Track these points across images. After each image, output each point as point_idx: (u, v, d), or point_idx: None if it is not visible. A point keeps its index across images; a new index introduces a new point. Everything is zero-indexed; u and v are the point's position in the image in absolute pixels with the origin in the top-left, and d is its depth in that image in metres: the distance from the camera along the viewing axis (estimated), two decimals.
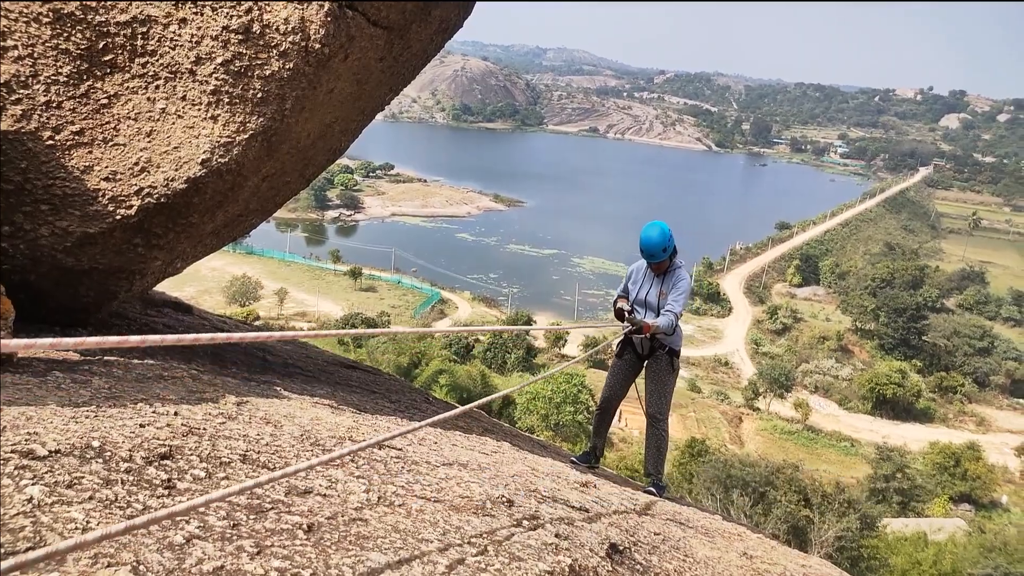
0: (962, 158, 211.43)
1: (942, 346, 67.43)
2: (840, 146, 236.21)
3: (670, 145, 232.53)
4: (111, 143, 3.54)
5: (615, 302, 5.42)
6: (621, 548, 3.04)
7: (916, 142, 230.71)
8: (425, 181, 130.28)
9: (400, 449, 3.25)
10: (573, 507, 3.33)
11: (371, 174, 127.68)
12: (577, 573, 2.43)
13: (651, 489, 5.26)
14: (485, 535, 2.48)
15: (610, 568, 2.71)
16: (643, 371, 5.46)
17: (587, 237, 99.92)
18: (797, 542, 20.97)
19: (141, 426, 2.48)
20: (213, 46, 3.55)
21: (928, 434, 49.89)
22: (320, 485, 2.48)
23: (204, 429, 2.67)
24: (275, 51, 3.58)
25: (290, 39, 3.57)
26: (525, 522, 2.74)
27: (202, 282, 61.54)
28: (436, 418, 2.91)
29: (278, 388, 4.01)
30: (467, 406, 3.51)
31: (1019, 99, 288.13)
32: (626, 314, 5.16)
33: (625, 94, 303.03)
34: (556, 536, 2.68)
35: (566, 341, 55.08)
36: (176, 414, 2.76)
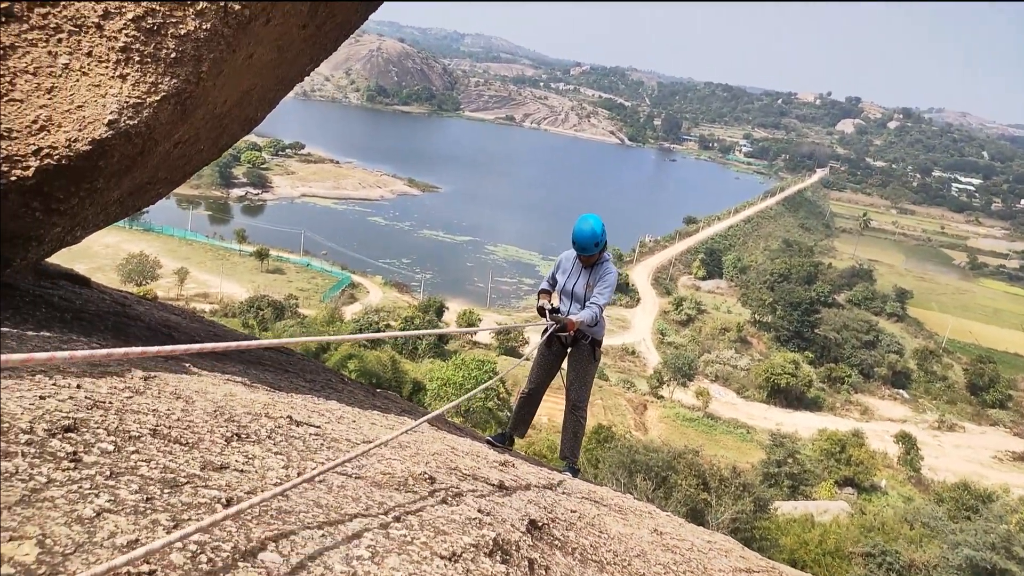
0: (855, 161, 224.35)
1: (832, 339, 71.55)
2: (744, 145, 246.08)
3: (585, 137, 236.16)
4: (6, 98, 3.29)
5: (538, 296, 5.49)
6: (540, 524, 3.09)
7: (814, 144, 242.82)
8: (337, 162, 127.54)
9: (319, 427, 3.18)
10: (493, 484, 3.35)
11: (280, 152, 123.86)
12: (500, 547, 2.45)
13: (567, 472, 5.38)
14: (409, 510, 2.46)
15: (531, 543, 2.75)
16: (566, 359, 5.57)
17: (501, 224, 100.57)
18: (696, 524, 21.85)
19: (41, 398, 2.33)
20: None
21: (817, 422, 52.69)
22: (237, 461, 2.40)
23: (110, 403, 2.53)
24: (191, 9, 3.41)
25: None
26: (448, 498, 2.74)
27: (95, 259, 58.23)
28: (436, 412, 2.87)
29: (187, 365, 3.84)
30: (453, 403, 3.47)
31: (907, 108, 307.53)
32: (548, 312, 5.27)
33: (542, 84, 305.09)
34: (479, 511, 2.69)
35: (478, 327, 55.25)
36: (79, 387, 2.60)
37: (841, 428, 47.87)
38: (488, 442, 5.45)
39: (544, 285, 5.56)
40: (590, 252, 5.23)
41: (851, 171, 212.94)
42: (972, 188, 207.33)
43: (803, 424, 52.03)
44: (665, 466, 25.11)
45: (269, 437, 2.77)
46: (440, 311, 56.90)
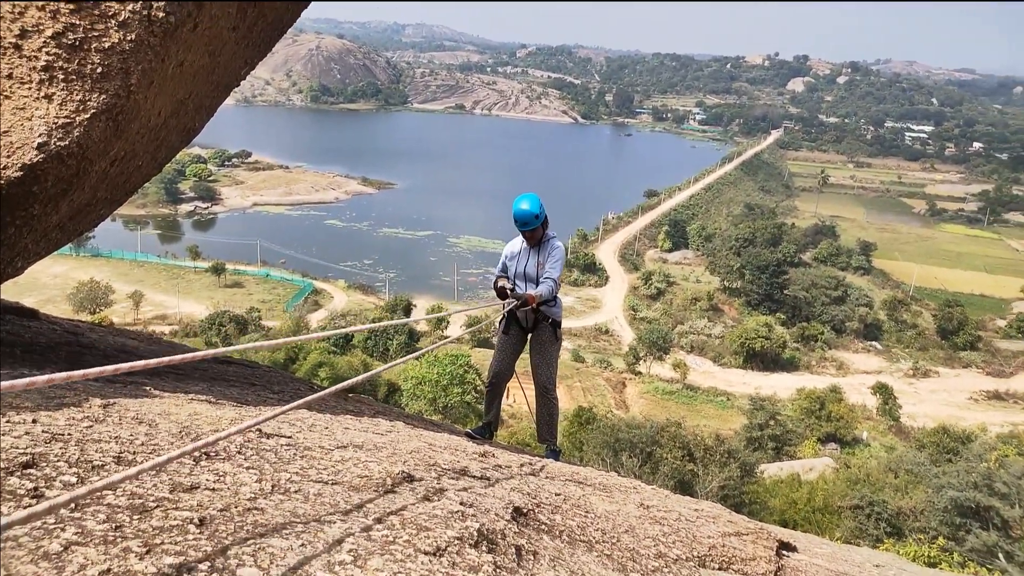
0: (808, 119, 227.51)
1: (802, 298, 72.87)
2: (698, 113, 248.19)
3: (537, 119, 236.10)
4: None
5: (495, 282, 5.62)
6: (525, 510, 3.11)
7: (767, 106, 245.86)
8: (287, 167, 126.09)
9: (290, 437, 3.16)
10: (474, 476, 3.36)
11: (227, 163, 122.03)
12: (485, 536, 2.46)
13: (548, 455, 5.45)
14: (389, 510, 2.46)
15: (517, 530, 2.76)
16: (527, 344, 5.72)
17: (461, 216, 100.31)
18: (684, 495, 22.16)
19: None
20: (40, 17, 3.25)
21: (795, 382, 53.62)
22: (207, 480, 2.38)
23: (69, 434, 2.48)
24: (113, 21, 3.33)
25: (129, 7, 3.33)
26: (428, 494, 2.74)
27: (43, 290, 56.87)
28: (341, 385, 2.85)
29: (147, 388, 3.78)
30: (368, 373, 3.45)
31: (855, 61, 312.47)
32: (508, 291, 5.42)
33: (489, 69, 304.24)
34: (461, 504, 2.70)
35: (448, 323, 55.20)
36: (35, 421, 2.55)
37: (819, 386, 48.84)
38: (468, 435, 5.47)
39: (498, 273, 5.74)
40: (532, 226, 5.40)
41: (805, 129, 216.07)
42: (925, 135, 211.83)
43: (781, 385, 53.01)
44: (649, 441, 25.38)
45: (239, 452, 2.74)
46: (408, 309, 56.76)
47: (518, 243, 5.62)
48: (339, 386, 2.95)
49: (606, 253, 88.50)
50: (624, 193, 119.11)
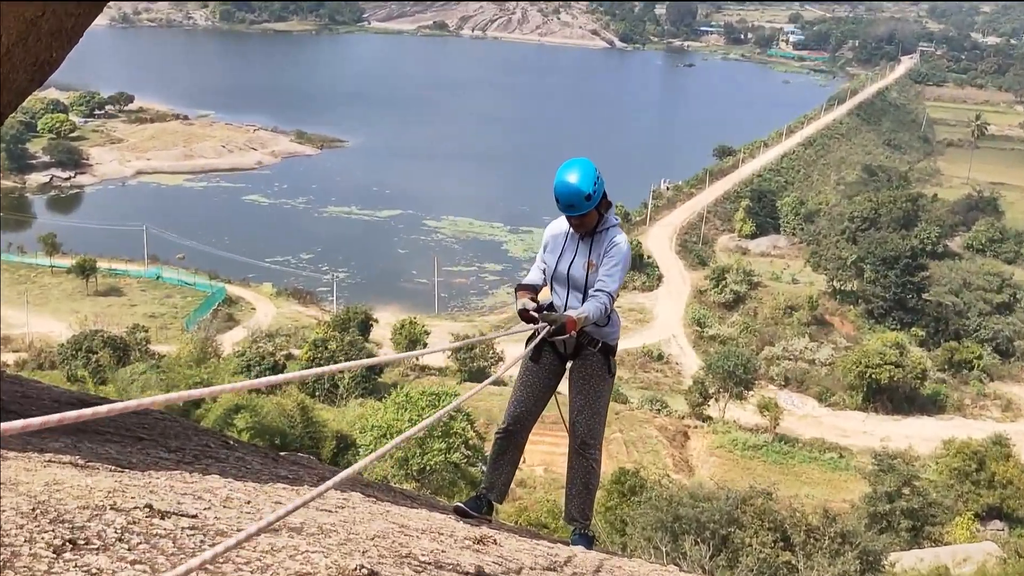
0: (957, 40, 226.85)
1: (950, 306, 72.57)
2: (793, 32, 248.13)
3: (555, 42, 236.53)
4: None
5: (516, 296, 5.61)
6: None
7: (894, 21, 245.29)
8: (186, 118, 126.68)
9: (194, 516, 3.16)
10: (467, 574, 3.35)
11: (97, 112, 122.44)
12: None
13: (577, 541, 5.42)
14: None
15: None
16: (566, 377, 5.67)
17: (444, 187, 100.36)
18: None
19: None
20: None
21: (940, 429, 52.97)
22: None
23: None
24: None
25: None
26: None
27: None
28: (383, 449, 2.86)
29: None
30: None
31: None
32: (532, 312, 5.38)
33: None
34: None
35: (425, 344, 55.15)
36: None
37: (976, 435, 48.43)
38: (457, 511, 5.46)
39: (527, 279, 5.71)
40: (581, 210, 5.35)
41: (952, 55, 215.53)
42: None
43: (919, 435, 52.72)
44: (725, 520, 25.32)
45: (120, 539, 2.73)
46: (366, 326, 56.62)
47: (563, 230, 5.63)
48: (379, 452, 2.96)
49: (658, 241, 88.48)
50: (683, 152, 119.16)
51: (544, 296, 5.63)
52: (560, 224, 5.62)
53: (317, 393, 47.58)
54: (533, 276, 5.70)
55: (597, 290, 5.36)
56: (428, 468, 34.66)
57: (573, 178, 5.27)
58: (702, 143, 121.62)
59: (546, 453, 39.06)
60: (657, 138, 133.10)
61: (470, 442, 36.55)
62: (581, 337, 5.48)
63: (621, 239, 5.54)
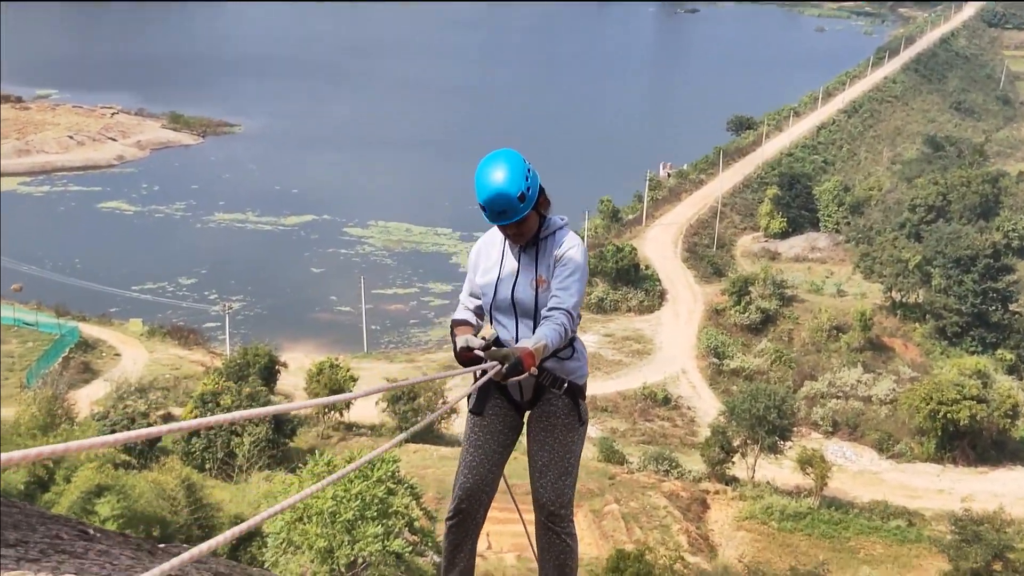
0: None
1: None
2: None
3: None
4: None
5: (452, 330, 5.21)
6: None
7: None
8: (20, 100, 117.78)
9: None
10: None
11: None
12: None
13: None
14: None
15: None
16: (524, 431, 5.34)
17: (371, 184, 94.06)
18: None
19: None
20: None
21: None
22: None
23: None
24: None
25: None
26: None
27: None
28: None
29: None
30: None
31: None
32: (477, 350, 4.78)
33: None
34: None
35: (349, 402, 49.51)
36: None
37: None
38: None
39: (459, 314, 5.28)
40: (515, 215, 4.83)
41: None
42: None
43: (1013, 492, 49.00)
44: None
45: None
46: (271, 372, 50.36)
47: (495, 241, 5.19)
48: None
49: (658, 245, 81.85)
50: (688, 127, 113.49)
51: (488, 331, 5.19)
52: (491, 237, 5.23)
53: (208, 466, 43.08)
54: (464, 311, 5.23)
55: (551, 309, 4.81)
56: (361, 561, 31.13)
57: (499, 177, 4.78)
58: (712, 114, 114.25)
59: (518, 535, 36.03)
60: (653, 110, 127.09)
61: (416, 524, 31.73)
62: (541, 377, 4.99)
63: (573, 241, 5.06)
